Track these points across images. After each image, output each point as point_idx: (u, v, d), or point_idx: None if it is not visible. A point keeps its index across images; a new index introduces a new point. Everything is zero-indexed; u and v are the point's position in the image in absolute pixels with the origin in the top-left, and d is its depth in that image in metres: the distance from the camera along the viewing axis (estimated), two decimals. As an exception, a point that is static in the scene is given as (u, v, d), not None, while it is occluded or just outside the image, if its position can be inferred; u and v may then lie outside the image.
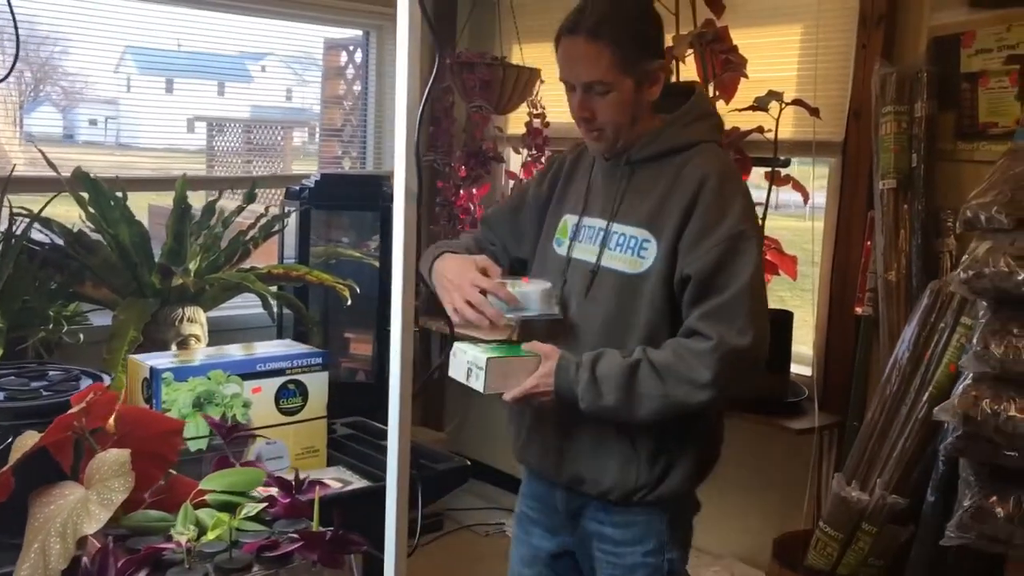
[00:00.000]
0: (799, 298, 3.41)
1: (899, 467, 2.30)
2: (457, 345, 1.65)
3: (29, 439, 1.17)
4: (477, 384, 1.60)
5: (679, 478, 1.66)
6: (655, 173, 1.65)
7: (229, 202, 2.77)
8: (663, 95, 1.67)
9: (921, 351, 2.31)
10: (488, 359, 1.58)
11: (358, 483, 1.77)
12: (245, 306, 3.17)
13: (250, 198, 2.69)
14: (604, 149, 1.69)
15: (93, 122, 3.61)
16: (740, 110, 2.62)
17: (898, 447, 2.31)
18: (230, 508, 1.20)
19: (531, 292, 1.65)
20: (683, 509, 1.74)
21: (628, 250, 1.63)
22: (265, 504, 1.20)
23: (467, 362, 1.62)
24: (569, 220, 1.75)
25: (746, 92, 2.64)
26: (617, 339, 1.62)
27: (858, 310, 2.65)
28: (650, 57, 1.62)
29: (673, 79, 2.76)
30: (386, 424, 1.87)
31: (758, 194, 2.70)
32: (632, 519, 1.68)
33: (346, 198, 3.23)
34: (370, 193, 3.22)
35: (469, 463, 1.94)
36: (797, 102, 2.61)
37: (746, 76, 2.66)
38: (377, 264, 3.14)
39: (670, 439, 1.64)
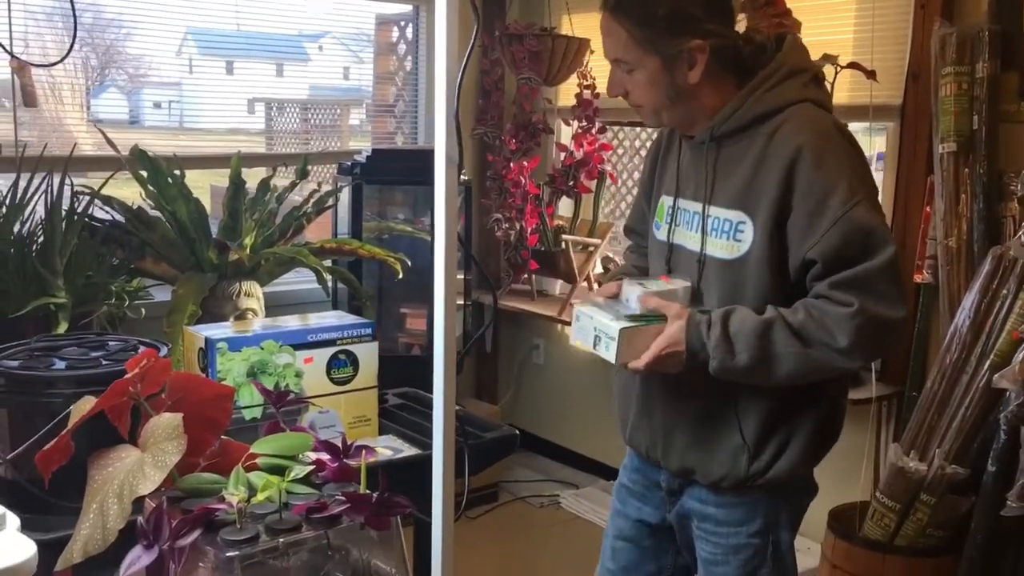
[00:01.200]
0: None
1: (959, 437, 2.25)
2: (581, 309, 1.56)
3: (86, 404, 1.21)
4: (607, 354, 1.52)
5: (792, 461, 1.55)
6: (743, 147, 1.53)
7: (284, 179, 2.82)
8: (754, 55, 1.56)
9: (983, 318, 2.26)
10: (621, 330, 1.49)
11: (409, 451, 1.80)
12: (301, 281, 3.23)
13: (303, 174, 2.73)
14: (652, 126, 1.68)
15: (157, 105, 3.69)
16: (793, 75, 2.56)
17: (958, 416, 2.26)
18: (280, 471, 1.23)
19: (678, 291, 1.55)
20: (797, 490, 1.64)
21: (724, 234, 1.53)
22: (313, 467, 1.23)
23: (595, 329, 1.53)
24: (665, 201, 1.67)
25: (800, 56, 2.59)
26: None
27: (917, 278, 2.59)
28: (681, 36, 1.50)
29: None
30: (436, 394, 1.90)
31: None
32: (739, 501, 1.60)
33: (397, 173, 3.25)
34: (421, 167, 3.21)
35: (518, 432, 1.96)
36: (853, 65, 2.54)
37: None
38: (430, 239, 3.15)
39: (780, 422, 1.55)
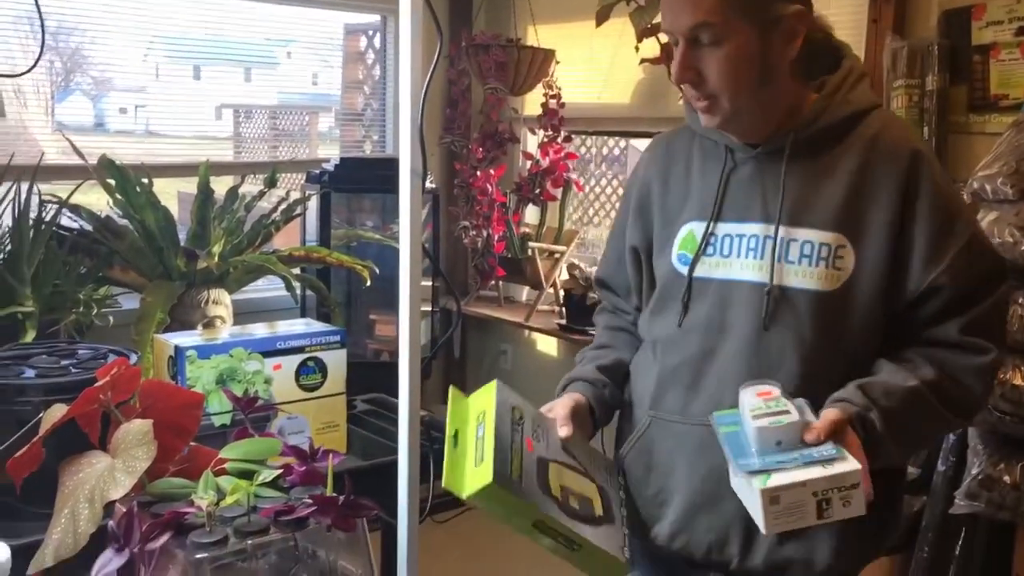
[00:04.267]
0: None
1: (911, 438, 2.32)
2: (772, 485, 1.13)
3: (57, 411, 1.24)
4: (852, 509, 1.14)
5: (891, 530, 1.37)
6: (831, 156, 1.28)
7: (253, 187, 2.84)
8: (818, 50, 1.30)
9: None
10: (857, 470, 1.13)
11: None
12: (269, 289, 3.24)
13: (271, 182, 2.75)
14: (718, 124, 1.30)
15: (123, 110, 3.69)
16: (752, 87, 2.63)
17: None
18: (248, 475, 1.26)
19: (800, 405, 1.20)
20: None
21: (820, 261, 1.26)
22: (281, 471, 1.26)
23: (818, 493, 1.13)
24: (695, 229, 1.36)
25: (758, 69, 2.66)
26: (818, 373, 1.27)
27: (871, 284, 2.67)
28: (785, 1, 1.23)
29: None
30: (404, 400, 1.94)
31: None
32: None
33: (365, 181, 3.28)
34: (389, 176, 3.25)
35: (484, 436, 1.99)
36: (809, 78, 2.62)
37: (758, 52, 2.67)
38: (398, 246, 3.18)
39: (882, 492, 1.22)
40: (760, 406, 1.18)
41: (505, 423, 1.22)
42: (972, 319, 1.26)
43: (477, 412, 1.26)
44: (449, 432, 1.24)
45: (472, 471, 1.18)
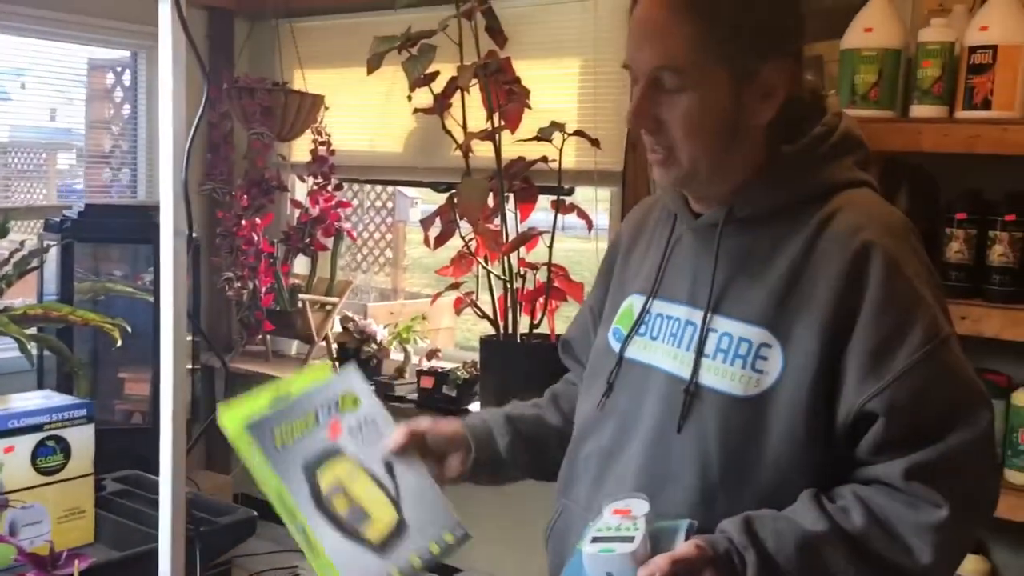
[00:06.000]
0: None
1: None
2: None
3: None
4: None
5: None
6: (775, 236, 1.10)
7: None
8: (799, 107, 1.13)
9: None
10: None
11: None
12: (-1, 350, 2.88)
13: (2, 232, 2.45)
14: (672, 181, 1.13)
15: None
16: (525, 140, 2.66)
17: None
18: (-28, 594, 1.06)
19: (641, 521, 1.01)
20: None
21: (736, 359, 1.07)
22: (14, 587, 1.07)
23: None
24: (635, 303, 1.22)
25: (530, 123, 2.69)
26: (718, 497, 1.07)
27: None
28: (766, 53, 1.07)
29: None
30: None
31: (545, 220, 2.77)
32: None
33: (115, 230, 3.01)
34: (142, 224, 3.02)
35: (256, 513, 1.83)
36: (578, 133, 2.68)
37: (529, 107, 2.71)
38: (151, 299, 2.94)
39: None
40: (609, 527, 1.00)
41: (315, 398, 1.15)
42: (920, 463, 1.01)
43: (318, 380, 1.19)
44: (283, 389, 1.18)
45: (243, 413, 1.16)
